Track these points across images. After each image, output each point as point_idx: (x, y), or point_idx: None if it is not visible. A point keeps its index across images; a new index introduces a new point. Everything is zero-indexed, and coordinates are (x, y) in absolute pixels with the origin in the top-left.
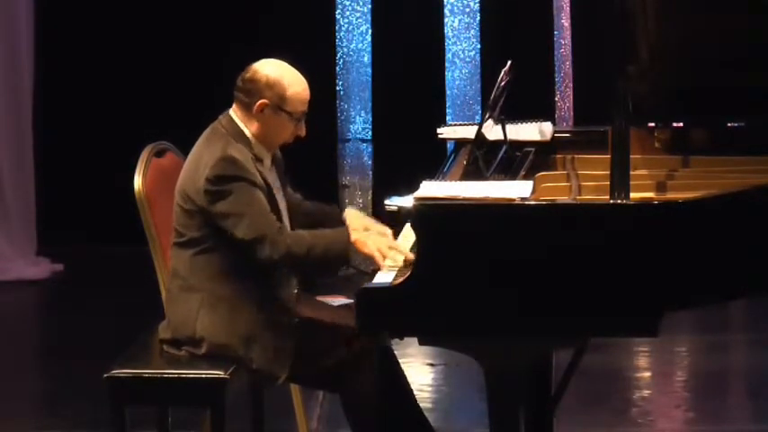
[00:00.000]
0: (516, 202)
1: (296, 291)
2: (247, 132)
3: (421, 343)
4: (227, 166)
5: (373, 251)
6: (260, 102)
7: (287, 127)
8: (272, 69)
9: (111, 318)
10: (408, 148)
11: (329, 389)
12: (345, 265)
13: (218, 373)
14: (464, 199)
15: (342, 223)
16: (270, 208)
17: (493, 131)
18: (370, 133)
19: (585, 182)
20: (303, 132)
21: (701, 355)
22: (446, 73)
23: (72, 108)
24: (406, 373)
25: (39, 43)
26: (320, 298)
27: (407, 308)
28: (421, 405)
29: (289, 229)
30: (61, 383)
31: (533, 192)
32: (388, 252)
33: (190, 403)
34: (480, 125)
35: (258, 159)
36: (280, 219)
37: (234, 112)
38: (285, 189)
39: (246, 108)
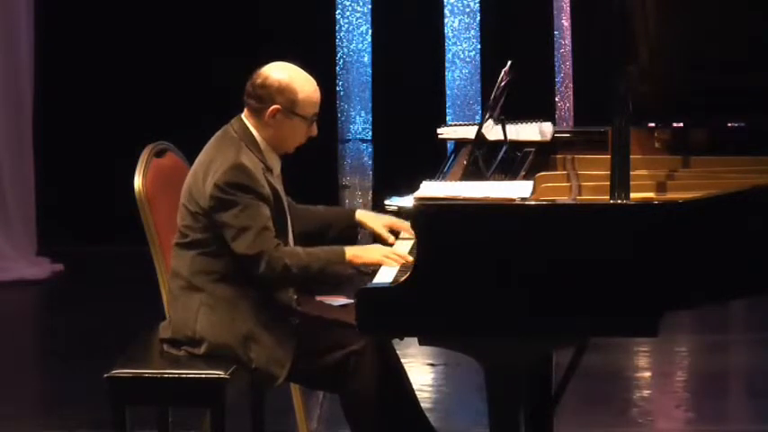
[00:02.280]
0: (516, 202)
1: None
2: (259, 138)
3: (421, 343)
4: (238, 175)
5: (375, 259)
6: (272, 108)
7: (300, 130)
8: (282, 74)
9: (111, 318)
10: (408, 148)
11: (329, 389)
12: (340, 282)
13: (218, 373)
14: (464, 199)
15: (354, 227)
16: (277, 216)
17: (493, 131)
18: (370, 133)
19: (585, 182)
20: (315, 132)
21: (701, 355)
22: (446, 73)
23: (72, 108)
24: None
25: (39, 43)
26: (320, 298)
27: (407, 308)
28: (421, 405)
29: (292, 237)
30: (61, 383)
31: (533, 192)
32: (390, 255)
33: (190, 403)
34: (480, 125)
35: (268, 169)
36: (286, 227)
37: (246, 118)
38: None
39: (258, 114)
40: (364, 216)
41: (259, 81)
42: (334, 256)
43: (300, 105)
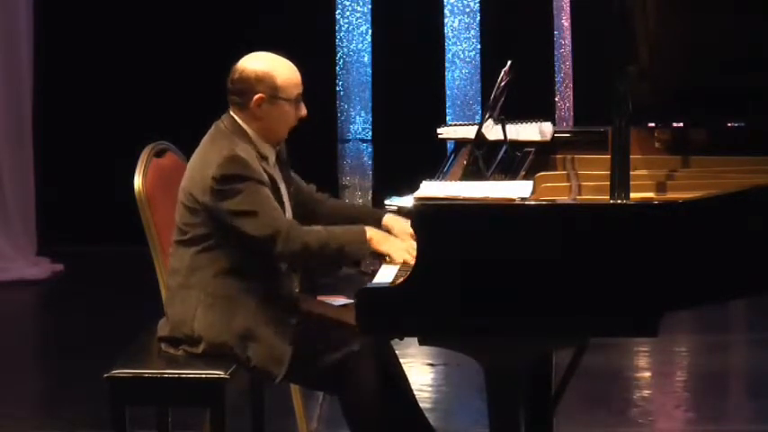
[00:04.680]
0: (516, 202)
1: (297, 290)
2: (249, 131)
3: (421, 343)
4: (233, 166)
5: (390, 251)
6: (255, 98)
7: (288, 113)
8: (257, 63)
9: (111, 318)
10: (408, 148)
11: (329, 389)
12: (360, 261)
13: (217, 373)
14: (464, 199)
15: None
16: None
17: (493, 131)
18: (370, 133)
19: (585, 182)
20: (304, 112)
21: (701, 355)
22: (446, 73)
23: (72, 108)
24: (406, 372)
25: (39, 43)
26: (321, 298)
27: (407, 308)
28: (421, 405)
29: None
30: (61, 383)
31: (533, 192)
32: (401, 256)
33: (190, 403)
34: (480, 125)
35: (263, 158)
36: (284, 214)
37: (233, 114)
38: (290, 184)
39: (243, 108)
40: (391, 221)
41: (236, 76)
42: (355, 236)
43: (282, 89)
